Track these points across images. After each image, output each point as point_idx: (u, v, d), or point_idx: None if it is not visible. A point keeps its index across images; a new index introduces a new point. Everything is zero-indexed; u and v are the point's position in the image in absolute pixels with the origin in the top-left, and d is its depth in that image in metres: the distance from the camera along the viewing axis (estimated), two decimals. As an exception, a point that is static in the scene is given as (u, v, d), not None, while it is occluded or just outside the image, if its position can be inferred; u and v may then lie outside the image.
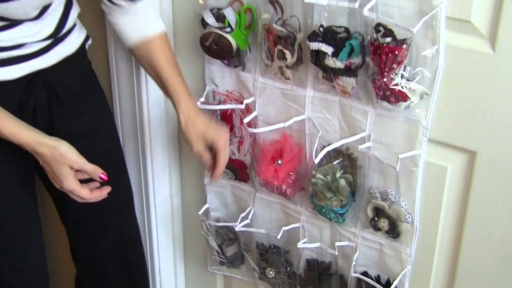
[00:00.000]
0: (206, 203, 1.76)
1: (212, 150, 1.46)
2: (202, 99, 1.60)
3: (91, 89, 1.53)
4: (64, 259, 1.85)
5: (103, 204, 1.42)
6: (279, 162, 1.50)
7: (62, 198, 1.46)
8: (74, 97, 1.45)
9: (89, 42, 1.52)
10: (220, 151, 1.44)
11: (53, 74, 1.39)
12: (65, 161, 1.27)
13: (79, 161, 1.29)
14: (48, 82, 1.38)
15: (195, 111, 1.43)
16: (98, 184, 1.36)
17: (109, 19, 1.45)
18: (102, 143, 1.55)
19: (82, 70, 1.51)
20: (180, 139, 1.82)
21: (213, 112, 1.59)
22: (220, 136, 1.44)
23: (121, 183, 1.63)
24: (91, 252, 1.63)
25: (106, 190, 1.36)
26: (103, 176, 1.32)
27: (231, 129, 1.58)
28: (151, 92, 1.68)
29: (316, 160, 1.38)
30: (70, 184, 1.30)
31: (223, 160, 1.45)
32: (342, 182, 1.41)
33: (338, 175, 1.42)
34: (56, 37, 1.37)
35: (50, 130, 1.40)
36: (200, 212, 1.73)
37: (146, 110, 1.71)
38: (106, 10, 1.44)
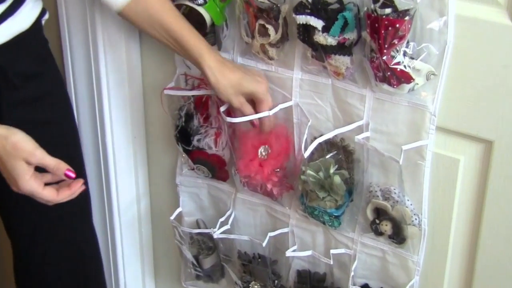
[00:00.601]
0: (178, 206, 1.76)
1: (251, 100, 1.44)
2: (172, 84, 1.59)
3: (47, 73, 1.51)
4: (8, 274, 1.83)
5: (55, 213, 1.40)
6: (264, 153, 1.49)
7: (6, 203, 1.45)
8: (28, 83, 1.43)
9: (46, 16, 1.49)
10: (262, 101, 1.41)
11: (3, 55, 1.36)
12: (20, 154, 1.20)
13: (37, 153, 1.21)
14: None
15: (221, 61, 1.39)
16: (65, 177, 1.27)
17: None
18: (57, 137, 1.53)
19: (38, 51, 1.48)
20: (146, 129, 1.82)
21: (185, 99, 1.59)
22: (259, 84, 1.40)
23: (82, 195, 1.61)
24: (40, 270, 1.61)
25: (78, 185, 1.28)
26: (69, 173, 1.24)
27: (206, 119, 1.58)
28: (111, 72, 1.68)
29: (306, 154, 1.37)
30: (28, 184, 1.22)
31: (266, 108, 1.42)
32: (337, 179, 1.41)
33: (332, 171, 1.42)
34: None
35: None
36: (172, 217, 1.73)
37: (106, 94, 1.71)
38: None
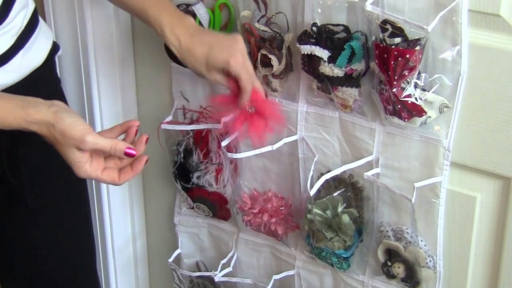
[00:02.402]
0: (177, 247, 1.76)
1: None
2: (170, 118, 1.59)
3: None
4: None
5: (59, 261, 1.40)
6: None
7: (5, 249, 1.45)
8: None
9: (59, 52, 1.47)
10: (239, 73, 1.30)
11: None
12: (69, 142, 1.15)
13: (88, 139, 1.14)
14: None
15: (186, 36, 1.32)
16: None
17: None
18: (67, 181, 1.51)
19: (49, 92, 1.46)
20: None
21: (184, 133, 1.59)
22: (231, 54, 1.30)
23: (83, 232, 1.60)
24: None
25: (141, 164, 1.21)
26: (130, 150, 1.17)
27: (206, 155, 1.58)
28: (105, 105, 1.69)
29: (312, 191, 1.37)
30: (83, 171, 1.17)
31: (247, 83, 1.32)
32: (345, 218, 1.41)
33: (340, 209, 1.42)
34: (3, 19, 1.30)
35: (13, 159, 1.37)
36: (171, 260, 1.73)
37: (100, 128, 1.71)
38: None
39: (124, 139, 1.22)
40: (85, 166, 1.17)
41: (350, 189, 1.43)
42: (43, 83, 1.42)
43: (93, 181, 1.76)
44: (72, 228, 1.54)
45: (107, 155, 1.20)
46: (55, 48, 1.46)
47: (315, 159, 1.43)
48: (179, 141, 1.60)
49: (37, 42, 1.39)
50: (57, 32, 1.64)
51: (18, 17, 1.33)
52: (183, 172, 1.60)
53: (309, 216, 1.45)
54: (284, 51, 1.38)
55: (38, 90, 1.39)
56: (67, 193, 1.51)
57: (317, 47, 1.28)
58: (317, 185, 1.39)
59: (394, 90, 1.23)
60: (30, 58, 1.37)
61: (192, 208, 1.67)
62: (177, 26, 1.31)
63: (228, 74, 1.31)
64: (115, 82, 1.69)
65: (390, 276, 1.42)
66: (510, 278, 1.34)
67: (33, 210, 1.46)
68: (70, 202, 1.53)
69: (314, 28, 1.30)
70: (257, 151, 1.47)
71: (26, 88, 1.35)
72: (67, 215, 1.51)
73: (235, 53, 1.30)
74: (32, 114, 1.15)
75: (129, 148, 1.17)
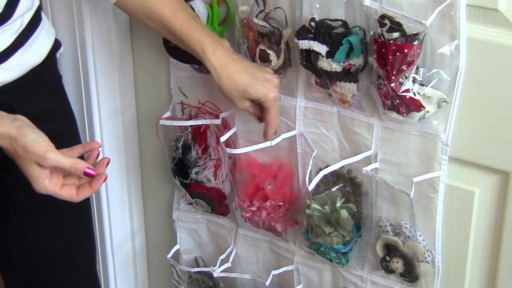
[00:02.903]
0: (176, 243, 1.76)
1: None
2: (168, 114, 1.60)
3: (59, 111, 1.49)
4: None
5: (57, 261, 1.39)
6: (268, 187, 1.50)
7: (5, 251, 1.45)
8: (38, 123, 1.34)
9: (61, 50, 1.48)
10: (269, 110, 1.36)
11: (14, 93, 1.33)
12: (30, 157, 1.16)
13: (49, 156, 1.15)
14: (8, 105, 1.30)
15: (227, 59, 1.33)
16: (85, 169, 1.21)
17: None
18: None
19: (50, 88, 1.46)
20: (141, 162, 1.82)
21: (182, 129, 1.59)
22: (268, 92, 1.34)
23: (82, 232, 1.60)
24: None
25: (99, 182, 1.22)
26: (89, 170, 1.19)
27: (205, 150, 1.58)
28: (103, 102, 1.69)
29: (310, 187, 1.37)
30: (42, 186, 1.19)
31: (274, 119, 1.37)
32: (344, 213, 1.41)
33: (338, 204, 1.42)
34: (6, 19, 1.30)
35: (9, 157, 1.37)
36: (169, 255, 1.73)
37: (98, 125, 1.72)
38: None
39: (86, 159, 1.24)
40: (45, 181, 1.19)
41: (348, 184, 1.43)
42: (44, 80, 1.42)
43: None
44: (70, 227, 1.54)
45: (66, 173, 1.22)
46: (56, 45, 1.46)
47: (314, 154, 1.44)
48: (177, 136, 1.60)
49: (38, 40, 1.39)
50: (55, 29, 1.63)
51: (22, 17, 1.33)
52: (181, 168, 1.61)
53: (307, 211, 1.45)
54: (282, 46, 1.38)
55: (39, 87, 1.39)
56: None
57: (315, 42, 1.28)
58: (316, 180, 1.39)
59: (393, 85, 1.23)
60: (29, 56, 1.36)
61: (191, 204, 1.67)
62: (219, 48, 1.33)
63: (257, 102, 1.36)
64: (113, 78, 1.69)
65: (389, 271, 1.42)
66: (508, 272, 1.34)
67: (30, 209, 1.46)
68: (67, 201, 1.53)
69: (312, 23, 1.30)
70: (256, 147, 1.47)
71: (25, 85, 1.36)
72: (65, 214, 1.51)
73: (274, 89, 1.34)
74: None
75: (88, 168, 1.19)
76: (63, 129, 1.49)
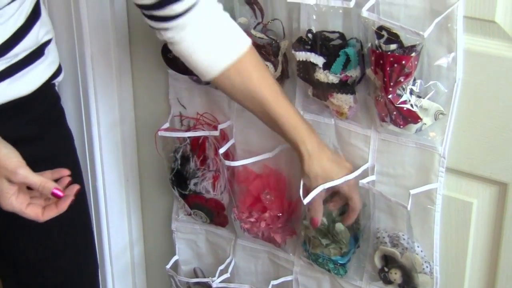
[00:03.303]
0: (175, 254, 1.76)
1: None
2: (167, 125, 1.60)
3: (52, 134, 1.46)
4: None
5: (58, 274, 1.41)
6: (267, 197, 1.50)
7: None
8: (30, 146, 1.35)
9: (60, 78, 1.45)
10: (352, 201, 1.37)
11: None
12: (0, 172, 1.16)
13: (20, 172, 1.16)
14: None
15: (321, 147, 1.34)
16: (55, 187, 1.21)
17: (175, 49, 1.29)
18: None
19: (43, 113, 1.43)
20: (140, 172, 1.82)
21: (181, 140, 1.59)
22: (350, 185, 1.36)
23: (84, 250, 1.60)
24: None
25: (65, 203, 1.22)
26: (57, 191, 1.19)
27: (203, 161, 1.58)
28: (102, 113, 1.69)
29: (306, 201, 1.35)
30: (9, 203, 1.19)
31: (357, 204, 1.38)
32: (340, 226, 1.41)
33: (334, 216, 1.42)
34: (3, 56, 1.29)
35: None
36: (168, 266, 1.73)
37: (97, 136, 1.72)
38: (166, 38, 1.27)
39: (58, 184, 1.23)
40: (12, 198, 1.19)
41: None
42: (34, 106, 1.39)
43: (90, 189, 1.77)
44: (71, 242, 1.54)
45: (32, 195, 1.22)
46: (55, 75, 1.43)
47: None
48: (176, 148, 1.60)
49: (33, 72, 1.36)
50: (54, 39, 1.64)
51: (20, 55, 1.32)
52: (180, 179, 1.61)
53: (305, 222, 1.45)
54: (280, 58, 1.38)
55: (26, 113, 1.37)
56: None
57: (312, 53, 1.29)
58: (313, 194, 1.38)
59: (390, 96, 1.23)
60: (17, 87, 1.34)
61: (190, 214, 1.67)
62: (314, 137, 1.34)
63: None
64: (112, 89, 1.69)
65: (387, 282, 1.42)
66: (507, 283, 1.34)
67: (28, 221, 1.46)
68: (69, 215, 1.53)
69: (310, 35, 1.30)
70: (255, 159, 1.48)
71: (10, 111, 1.34)
72: (66, 239, 1.51)
73: (353, 181, 1.36)
74: None
75: (57, 189, 1.19)
76: (55, 150, 1.47)
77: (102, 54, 1.63)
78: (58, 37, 1.60)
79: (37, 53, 1.36)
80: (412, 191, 1.30)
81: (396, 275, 1.40)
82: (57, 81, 1.45)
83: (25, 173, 1.17)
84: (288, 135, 1.32)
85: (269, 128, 1.36)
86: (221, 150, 1.50)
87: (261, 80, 1.30)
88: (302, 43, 1.31)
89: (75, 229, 1.54)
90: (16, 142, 1.24)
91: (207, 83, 1.52)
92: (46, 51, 1.39)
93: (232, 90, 1.31)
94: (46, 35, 1.38)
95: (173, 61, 1.48)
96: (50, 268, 1.51)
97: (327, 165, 1.33)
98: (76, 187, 1.24)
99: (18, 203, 1.20)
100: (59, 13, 1.60)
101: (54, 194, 1.20)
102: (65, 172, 1.26)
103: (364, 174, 1.38)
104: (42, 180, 1.19)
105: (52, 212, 1.22)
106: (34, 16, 1.33)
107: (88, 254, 1.62)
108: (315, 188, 1.33)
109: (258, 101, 1.30)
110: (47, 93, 1.43)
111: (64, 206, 1.22)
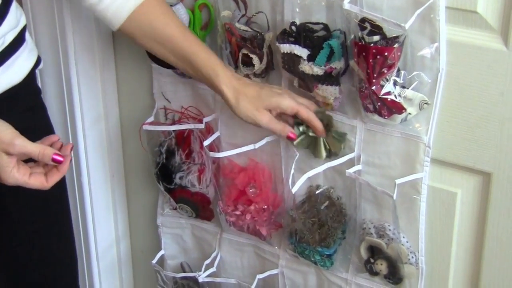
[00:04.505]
0: (160, 249, 1.76)
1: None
2: (151, 119, 1.59)
3: (38, 126, 1.47)
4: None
5: (37, 273, 1.40)
6: (252, 190, 1.51)
7: None
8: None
9: (41, 66, 1.46)
10: (298, 108, 1.33)
11: None
12: None
13: (17, 142, 1.17)
14: None
15: (237, 77, 1.34)
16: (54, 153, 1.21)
17: (84, 5, 1.34)
18: (49, 193, 1.52)
19: (28, 104, 1.44)
20: (125, 168, 1.81)
21: (165, 134, 1.59)
22: (282, 97, 1.34)
23: (63, 247, 1.60)
24: None
25: (65, 165, 1.22)
26: (57, 157, 1.20)
27: (188, 155, 1.58)
28: (86, 107, 1.69)
29: (294, 189, 1.37)
30: (11, 176, 1.18)
31: (310, 114, 1.34)
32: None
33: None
34: None
35: None
36: (154, 261, 1.73)
37: (81, 131, 1.71)
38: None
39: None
40: (13, 171, 1.19)
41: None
42: (21, 98, 1.40)
43: (75, 185, 1.76)
44: (51, 242, 1.54)
45: (31, 165, 1.23)
46: (37, 62, 1.44)
47: (296, 157, 1.44)
48: (161, 142, 1.60)
49: (19, 60, 1.37)
50: (36, 35, 1.64)
51: (4, 36, 1.32)
52: (165, 173, 1.60)
53: (291, 213, 1.45)
54: (265, 50, 1.38)
55: (15, 105, 1.37)
56: (44, 207, 1.51)
57: (296, 46, 1.29)
58: (299, 183, 1.39)
59: (374, 87, 1.23)
60: (9, 76, 1.35)
61: (175, 209, 1.67)
62: (230, 72, 1.34)
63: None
64: (96, 84, 1.68)
65: (373, 273, 1.43)
66: (491, 273, 1.35)
67: (8, 223, 1.46)
68: (48, 218, 1.53)
69: (293, 27, 1.30)
70: (239, 150, 1.48)
71: (3, 101, 1.34)
72: (45, 226, 1.51)
73: (285, 93, 1.35)
74: None
75: (56, 154, 1.20)
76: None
77: (85, 49, 1.63)
78: (40, 32, 1.60)
79: (19, 39, 1.36)
80: (398, 181, 1.31)
81: (382, 266, 1.41)
82: (38, 69, 1.45)
83: (23, 143, 1.18)
84: (203, 71, 1.33)
85: (193, 77, 1.38)
86: (206, 143, 1.50)
87: (167, 19, 1.33)
88: (286, 35, 1.31)
89: (58, 222, 1.55)
90: None
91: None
92: (26, 37, 1.39)
93: (141, 33, 1.33)
94: (22, 17, 1.38)
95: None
96: (37, 263, 1.52)
97: (249, 91, 1.33)
98: (70, 146, 1.25)
99: (21, 175, 1.20)
100: (40, 7, 1.60)
101: (54, 160, 1.20)
102: (55, 137, 1.26)
103: (350, 164, 1.38)
104: (41, 147, 1.19)
105: (56, 176, 1.23)
106: None
107: (68, 246, 1.63)
108: (251, 120, 1.33)
109: (168, 41, 1.32)
110: (30, 84, 1.43)
111: (65, 168, 1.23)
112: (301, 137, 1.37)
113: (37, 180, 1.21)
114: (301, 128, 1.36)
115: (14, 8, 1.34)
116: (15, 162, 1.19)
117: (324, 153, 1.38)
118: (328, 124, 1.37)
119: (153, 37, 1.34)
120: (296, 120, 1.36)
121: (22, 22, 1.38)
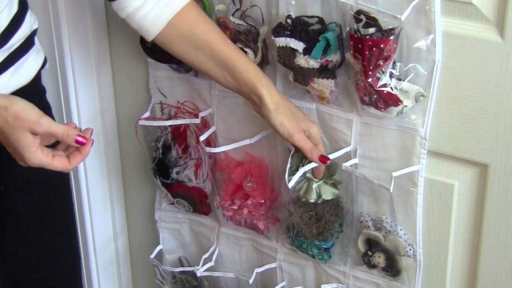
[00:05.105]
0: (159, 243, 1.76)
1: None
2: (147, 114, 1.59)
3: None
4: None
5: (39, 272, 1.40)
6: (249, 185, 1.51)
7: None
8: None
9: (46, 66, 1.45)
10: (319, 142, 1.35)
11: None
12: (23, 124, 1.15)
13: (43, 121, 1.16)
14: None
15: (279, 92, 1.33)
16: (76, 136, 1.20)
17: (122, 15, 1.31)
18: (55, 192, 1.51)
19: (35, 105, 1.42)
20: (122, 163, 1.81)
21: (162, 129, 1.58)
22: (314, 124, 1.34)
23: (66, 245, 1.59)
24: None
25: (88, 147, 1.21)
26: (80, 138, 1.18)
27: (185, 150, 1.57)
28: (82, 103, 1.68)
29: (290, 184, 1.37)
30: (35, 156, 1.17)
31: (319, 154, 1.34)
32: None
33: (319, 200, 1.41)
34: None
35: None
36: (152, 256, 1.73)
37: (77, 125, 1.68)
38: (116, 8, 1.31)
39: None
40: (37, 151, 1.17)
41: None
42: (28, 97, 1.37)
43: (72, 181, 1.76)
44: (53, 239, 1.53)
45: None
46: (44, 63, 1.43)
47: (292, 151, 1.43)
48: (157, 137, 1.59)
49: (28, 61, 1.37)
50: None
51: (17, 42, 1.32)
52: (162, 168, 1.60)
53: (288, 207, 1.45)
54: (259, 44, 1.38)
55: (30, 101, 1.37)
56: (49, 207, 1.50)
57: (292, 39, 1.28)
58: (296, 177, 1.38)
59: (370, 80, 1.23)
60: (19, 76, 1.35)
61: (172, 203, 1.67)
62: (273, 88, 1.32)
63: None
64: (92, 80, 1.68)
65: (371, 265, 1.43)
66: (489, 264, 1.35)
67: (16, 218, 1.46)
68: (53, 217, 1.53)
69: (289, 20, 1.30)
70: (235, 145, 1.48)
71: None
72: (50, 226, 1.51)
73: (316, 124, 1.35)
74: None
75: (79, 136, 1.18)
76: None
77: (81, 45, 1.62)
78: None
79: (29, 42, 1.36)
80: (395, 174, 1.30)
81: (379, 259, 1.41)
82: (43, 69, 1.45)
83: (48, 122, 1.17)
84: (244, 78, 1.31)
85: (226, 86, 1.34)
86: (202, 137, 1.49)
87: (207, 25, 1.31)
88: (281, 29, 1.30)
89: (63, 222, 1.55)
90: None
91: (187, 70, 1.52)
92: (35, 39, 1.39)
93: (180, 40, 1.30)
94: (34, 23, 1.38)
95: (152, 50, 1.47)
96: (41, 262, 1.52)
97: (294, 106, 1.32)
98: (90, 130, 1.23)
99: (44, 156, 1.18)
100: (36, 3, 1.59)
101: (77, 141, 1.19)
102: (72, 124, 1.25)
103: (347, 157, 1.38)
104: (65, 128, 1.18)
105: (78, 159, 1.21)
106: (24, 4, 1.33)
107: (72, 246, 1.62)
108: (286, 132, 1.31)
109: (208, 46, 1.30)
110: (37, 84, 1.43)
111: (87, 150, 1.22)
112: (300, 177, 1.38)
113: (61, 162, 1.20)
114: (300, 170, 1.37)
115: (28, 16, 1.34)
116: (39, 143, 1.18)
117: (314, 197, 1.39)
118: (330, 169, 1.39)
119: (193, 44, 1.30)
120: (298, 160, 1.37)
121: (34, 27, 1.38)
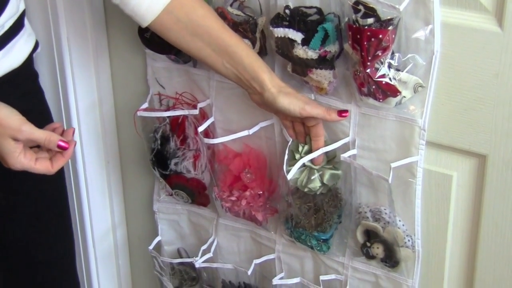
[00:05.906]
0: (157, 235, 1.76)
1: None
2: (145, 105, 1.59)
3: (35, 110, 1.46)
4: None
5: (33, 259, 1.39)
6: (247, 176, 1.50)
7: None
8: None
9: (38, 50, 1.46)
10: (325, 115, 1.31)
11: None
12: (5, 132, 1.18)
13: (24, 129, 1.19)
14: None
15: (278, 78, 1.32)
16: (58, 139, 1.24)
17: (115, 1, 1.27)
18: (46, 182, 1.51)
19: (26, 88, 1.45)
20: (120, 154, 1.81)
21: (160, 120, 1.58)
22: (320, 106, 1.32)
23: (60, 231, 1.60)
24: None
25: (70, 150, 1.25)
26: (62, 143, 1.22)
27: (183, 141, 1.57)
28: (80, 94, 1.68)
29: (289, 176, 1.37)
30: (18, 161, 1.21)
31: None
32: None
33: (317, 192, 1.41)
34: None
35: None
36: (151, 247, 1.73)
37: (75, 118, 1.71)
38: None
39: None
40: (20, 156, 1.21)
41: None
42: (20, 82, 1.40)
43: (71, 173, 1.76)
44: (48, 226, 1.54)
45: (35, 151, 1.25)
46: (35, 47, 1.44)
47: (290, 142, 1.43)
48: (155, 128, 1.59)
49: (18, 44, 1.37)
50: (29, 21, 1.62)
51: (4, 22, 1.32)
52: (160, 159, 1.60)
53: (286, 198, 1.45)
54: (258, 35, 1.37)
55: (15, 89, 1.38)
56: (42, 190, 1.51)
57: (291, 29, 1.28)
58: (295, 169, 1.38)
59: (368, 70, 1.22)
60: (9, 60, 1.35)
61: (171, 195, 1.67)
62: (274, 75, 1.32)
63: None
64: (90, 70, 1.67)
65: (370, 256, 1.43)
66: (487, 254, 1.35)
67: (8, 206, 1.45)
68: (46, 200, 1.52)
69: (287, 11, 1.29)
70: (234, 136, 1.47)
71: (2, 86, 1.34)
72: (43, 211, 1.52)
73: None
74: None
75: (62, 141, 1.22)
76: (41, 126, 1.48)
77: (79, 35, 1.62)
78: (32, 18, 1.59)
79: (19, 24, 1.36)
80: (393, 165, 1.30)
81: (378, 250, 1.41)
82: (35, 53, 1.45)
83: (30, 129, 1.20)
84: (244, 65, 1.29)
85: (225, 73, 1.33)
86: (200, 128, 1.49)
87: (205, 10, 1.28)
88: (279, 19, 1.30)
89: (56, 205, 1.57)
90: None
91: (185, 61, 1.51)
92: (25, 22, 1.39)
93: (177, 26, 1.27)
94: (21, 4, 1.38)
95: (150, 40, 1.47)
96: (35, 246, 1.53)
97: (293, 91, 1.31)
98: (71, 130, 1.28)
99: (27, 160, 1.22)
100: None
101: (59, 146, 1.23)
102: (56, 124, 1.29)
103: (345, 148, 1.38)
104: (47, 134, 1.22)
105: (61, 161, 1.26)
106: None
107: (66, 229, 1.64)
108: (292, 107, 1.29)
109: (206, 32, 1.28)
110: (29, 68, 1.44)
111: (70, 153, 1.26)
112: (300, 168, 1.38)
113: (43, 165, 1.24)
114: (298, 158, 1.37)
115: None
116: (22, 148, 1.21)
117: (318, 184, 1.38)
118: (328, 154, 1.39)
119: (190, 30, 1.28)
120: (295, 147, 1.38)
121: (21, 7, 1.38)
